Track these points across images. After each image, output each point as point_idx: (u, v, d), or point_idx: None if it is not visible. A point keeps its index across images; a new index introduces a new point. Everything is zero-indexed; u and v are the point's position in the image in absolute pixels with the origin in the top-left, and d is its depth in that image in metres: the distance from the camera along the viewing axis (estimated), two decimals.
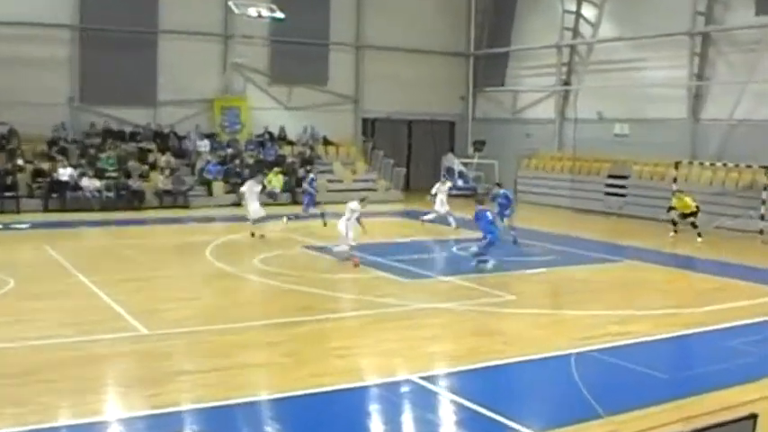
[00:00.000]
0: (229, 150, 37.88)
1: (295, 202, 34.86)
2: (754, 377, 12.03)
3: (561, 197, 38.81)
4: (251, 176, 28.98)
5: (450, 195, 30.73)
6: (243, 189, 26.40)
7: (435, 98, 44.85)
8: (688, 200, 28.01)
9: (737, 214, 29.39)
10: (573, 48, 41.67)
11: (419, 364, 12.33)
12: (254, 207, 25.55)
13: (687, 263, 23.64)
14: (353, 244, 21.36)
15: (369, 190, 38.51)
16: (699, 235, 27.40)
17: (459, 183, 42.54)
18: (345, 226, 21.45)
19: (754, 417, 7.04)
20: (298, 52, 40.09)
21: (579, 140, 39.25)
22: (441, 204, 29.56)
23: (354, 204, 21.89)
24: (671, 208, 28.57)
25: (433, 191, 30.44)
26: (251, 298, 17.72)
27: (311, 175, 30.17)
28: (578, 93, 41.15)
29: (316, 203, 28.91)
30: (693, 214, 27.73)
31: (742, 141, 33.10)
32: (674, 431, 7.34)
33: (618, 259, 23.38)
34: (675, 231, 28.31)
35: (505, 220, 25.77)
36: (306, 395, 10.70)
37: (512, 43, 44.46)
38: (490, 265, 20.97)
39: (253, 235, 25.25)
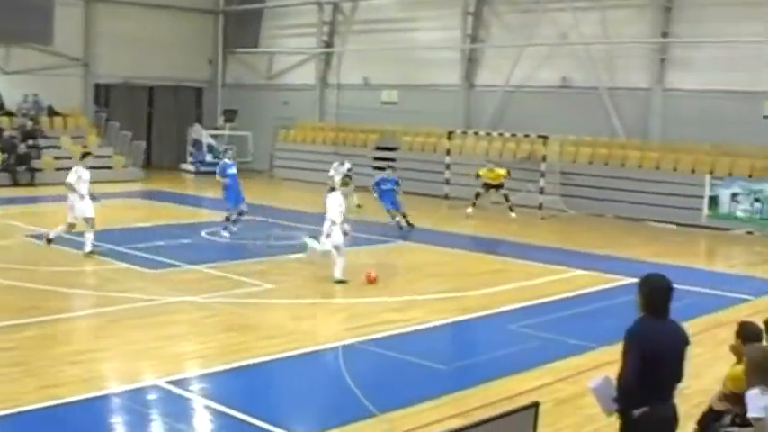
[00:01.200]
0: None
1: (16, 183, 33.52)
2: (535, 363, 12.64)
3: (324, 172, 39.03)
4: None
5: (200, 173, 30.12)
6: None
7: (180, 61, 44.15)
8: (501, 171, 29.10)
9: (516, 188, 30.69)
10: (336, 5, 42.11)
11: (167, 366, 12.13)
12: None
13: (464, 242, 24.50)
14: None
15: (103, 168, 37.47)
16: (511, 209, 28.60)
17: (209, 158, 42.25)
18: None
19: (536, 405, 7.39)
20: (15, 5, 38.25)
21: (343, 109, 39.82)
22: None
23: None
24: (477, 175, 29.51)
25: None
26: None
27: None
28: (342, 56, 41.66)
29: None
30: (501, 186, 28.87)
31: (519, 109, 34.63)
32: (454, 426, 7.57)
33: (388, 240, 23.89)
34: (474, 205, 29.27)
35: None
36: (36, 410, 10.26)
37: None
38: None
39: None
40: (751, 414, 7.30)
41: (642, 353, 6.94)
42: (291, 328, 14.49)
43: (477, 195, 29.51)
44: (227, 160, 24.78)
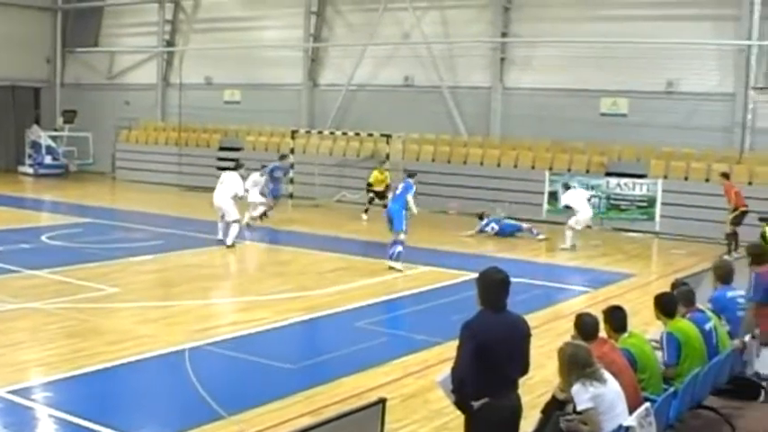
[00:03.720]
0: None
1: None
2: (382, 360, 12.79)
3: (167, 173, 38.75)
4: None
5: (39, 175, 29.34)
6: None
7: (16, 60, 42.82)
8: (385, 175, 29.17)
9: (361, 187, 30.88)
10: (177, 3, 41.65)
11: (8, 375, 11.76)
12: None
13: (308, 241, 24.51)
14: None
15: None
16: (366, 211, 28.78)
17: (48, 160, 41.27)
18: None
19: (383, 401, 7.51)
20: None
21: (186, 109, 39.37)
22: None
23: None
24: (369, 185, 29.55)
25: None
26: None
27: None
28: (184, 55, 41.22)
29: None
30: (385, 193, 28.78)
31: (363, 108, 34.91)
32: (304, 424, 7.63)
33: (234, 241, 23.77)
34: (367, 211, 29.23)
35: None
36: None
37: None
38: None
39: None
40: (580, 407, 7.61)
41: (476, 345, 7.09)
42: (136, 333, 14.26)
43: (371, 201, 29.42)
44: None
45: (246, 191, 24.68)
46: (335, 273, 20.04)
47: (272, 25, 38.23)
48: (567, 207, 24.86)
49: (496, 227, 26.41)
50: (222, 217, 23.04)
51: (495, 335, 7.16)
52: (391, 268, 20.07)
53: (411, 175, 21.45)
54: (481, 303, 7.32)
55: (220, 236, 23.04)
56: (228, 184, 23.20)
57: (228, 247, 22.59)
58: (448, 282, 19.01)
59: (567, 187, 25.60)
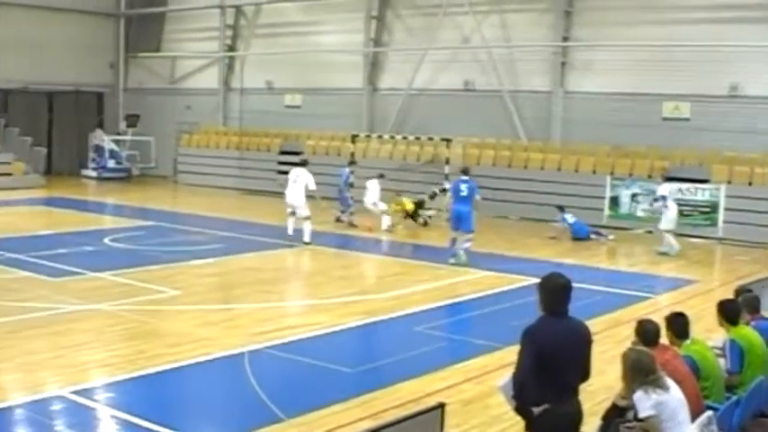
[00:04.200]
0: None
1: None
2: (441, 364, 12.74)
3: (228, 177, 39.01)
4: None
5: (102, 179, 29.79)
6: None
7: (80, 66, 43.52)
8: (405, 200, 28.97)
9: (421, 191, 30.83)
10: (238, 9, 41.95)
11: (71, 376, 11.92)
12: None
13: (368, 246, 24.55)
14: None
15: (3, 175, 36.87)
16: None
17: (111, 163, 41.76)
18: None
19: (441, 406, 7.49)
20: None
21: (247, 113, 39.65)
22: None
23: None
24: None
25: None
26: None
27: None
28: (245, 60, 41.50)
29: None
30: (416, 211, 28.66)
31: (422, 112, 34.90)
32: (364, 428, 7.64)
33: (295, 244, 23.83)
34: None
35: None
36: None
37: (168, 2, 44.05)
38: None
39: None
40: (642, 415, 7.51)
41: (537, 351, 7.07)
42: (197, 335, 14.37)
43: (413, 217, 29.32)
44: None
45: (375, 203, 26.48)
46: (395, 277, 20.05)
47: (332, 30, 38.35)
48: (660, 198, 24.48)
49: (571, 221, 26.34)
50: (293, 214, 23.27)
51: (555, 340, 7.14)
52: (453, 264, 20.54)
53: (465, 171, 22.06)
54: (543, 309, 7.29)
55: (290, 231, 23.42)
56: (301, 180, 23.57)
57: (306, 243, 23.02)
58: (508, 286, 18.91)
59: (666, 179, 25.46)
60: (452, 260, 20.95)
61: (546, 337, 7.13)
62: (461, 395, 11.36)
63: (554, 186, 30.25)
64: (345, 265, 21.83)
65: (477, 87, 34.30)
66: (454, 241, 21.24)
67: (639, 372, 7.60)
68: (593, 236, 26.36)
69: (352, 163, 29.77)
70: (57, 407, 10.81)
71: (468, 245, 21.09)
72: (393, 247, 24.52)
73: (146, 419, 10.24)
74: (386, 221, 26.51)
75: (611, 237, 26.07)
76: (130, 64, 46.11)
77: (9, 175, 37.21)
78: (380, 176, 27.76)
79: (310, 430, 10.00)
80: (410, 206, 28.37)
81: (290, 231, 23.47)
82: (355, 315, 15.93)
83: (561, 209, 26.88)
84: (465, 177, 21.46)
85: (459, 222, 20.92)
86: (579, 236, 26.20)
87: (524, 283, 18.51)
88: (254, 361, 12.70)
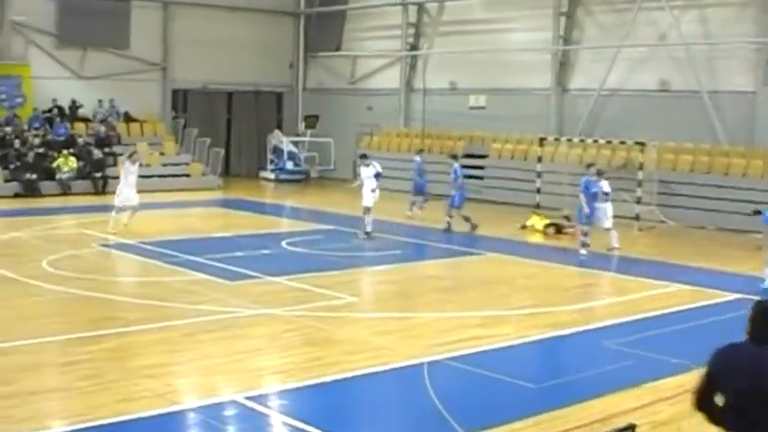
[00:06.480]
0: (8, 129, 36.59)
1: (97, 192, 33.92)
2: (630, 383, 12.44)
3: (409, 180, 39.11)
4: (39, 160, 27.99)
5: (281, 181, 30.31)
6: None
7: (259, 65, 44.56)
8: (537, 218, 28.66)
9: (612, 198, 30.29)
10: (421, 6, 42.12)
11: (245, 382, 12.19)
12: (126, 192, 25.15)
13: (554, 255, 24.25)
14: None
15: (181, 176, 38.06)
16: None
17: (289, 165, 42.53)
18: None
19: (632, 427, 7.27)
20: (92, 8, 38.99)
21: (429, 114, 39.76)
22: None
23: None
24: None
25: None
26: (39, 309, 17.02)
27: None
28: (428, 59, 41.67)
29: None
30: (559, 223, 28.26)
31: (615, 114, 34.28)
32: None
33: (476, 252, 23.80)
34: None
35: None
36: (110, 425, 10.38)
37: (349, 0, 44.60)
38: None
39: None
40: None
41: (709, 374, 6.59)
42: (374, 344, 14.47)
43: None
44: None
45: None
46: (582, 288, 19.76)
47: (518, 27, 38.12)
48: None
49: None
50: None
51: (737, 368, 6.51)
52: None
53: (590, 165, 24.20)
54: (747, 333, 6.82)
55: (369, 228, 24.96)
56: (370, 178, 25.57)
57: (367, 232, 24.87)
58: (705, 302, 18.32)
59: None
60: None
61: (726, 361, 6.60)
62: (654, 416, 11.07)
63: (757, 195, 29.18)
64: (528, 274, 21.61)
65: (674, 87, 33.45)
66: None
67: None
68: None
69: (453, 156, 30.28)
70: (230, 412, 11.06)
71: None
72: (576, 257, 24.12)
73: (319, 428, 10.35)
74: (614, 240, 25.25)
75: None
76: (310, 63, 46.92)
77: (187, 176, 38.40)
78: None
79: None
80: (539, 225, 28.00)
81: (368, 228, 25.09)
82: (539, 327, 15.75)
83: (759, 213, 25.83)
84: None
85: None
86: None
87: (723, 299, 17.93)
88: (432, 372, 12.68)
